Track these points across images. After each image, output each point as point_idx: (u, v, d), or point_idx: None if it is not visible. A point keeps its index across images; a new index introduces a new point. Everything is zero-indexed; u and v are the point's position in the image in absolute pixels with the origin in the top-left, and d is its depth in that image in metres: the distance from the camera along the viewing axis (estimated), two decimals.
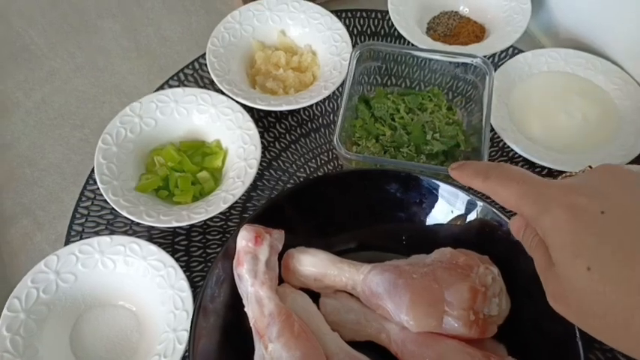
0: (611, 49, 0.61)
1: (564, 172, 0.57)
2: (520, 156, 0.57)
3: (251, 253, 0.45)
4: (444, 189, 0.50)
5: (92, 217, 0.57)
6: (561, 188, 0.31)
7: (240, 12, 0.65)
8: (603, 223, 0.28)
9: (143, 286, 0.48)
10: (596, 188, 0.30)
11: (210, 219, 0.55)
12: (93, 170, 0.59)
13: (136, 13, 0.74)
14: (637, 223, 0.28)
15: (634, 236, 0.28)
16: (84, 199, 0.59)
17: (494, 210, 0.47)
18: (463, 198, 0.49)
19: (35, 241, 0.56)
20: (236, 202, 0.52)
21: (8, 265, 0.55)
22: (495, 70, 0.62)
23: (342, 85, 0.59)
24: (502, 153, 0.61)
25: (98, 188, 0.57)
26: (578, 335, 0.40)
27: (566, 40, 0.67)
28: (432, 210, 0.51)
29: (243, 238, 0.45)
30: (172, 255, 0.51)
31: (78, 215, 0.57)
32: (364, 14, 0.72)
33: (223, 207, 0.51)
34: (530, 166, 0.59)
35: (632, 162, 0.53)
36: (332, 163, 0.62)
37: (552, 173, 0.58)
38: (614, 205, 0.29)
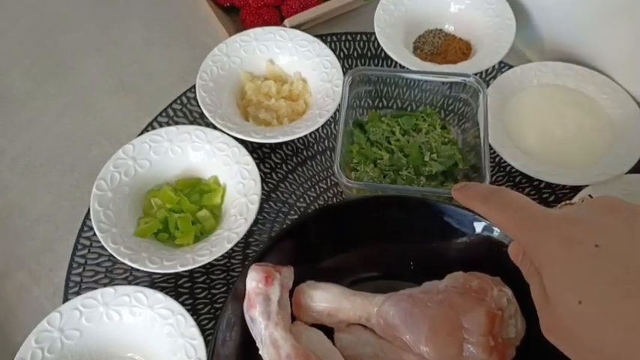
0: (598, 60, 0.63)
1: (564, 186, 0.58)
2: (518, 171, 0.58)
3: (262, 294, 0.44)
4: (448, 211, 0.50)
5: (90, 266, 0.56)
6: (558, 219, 0.31)
7: (227, 44, 0.64)
8: (597, 257, 0.28)
9: (152, 336, 0.47)
10: (593, 221, 0.30)
11: (212, 272, 0.55)
12: (86, 216, 0.58)
13: (116, 51, 0.73)
14: (630, 259, 0.28)
15: (626, 272, 0.27)
16: (80, 247, 0.57)
17: (497, 227, 0.48)
18: (468, 219, 0.50)
19: (33, 295, 0.55)
20: (235, 248, 0.52)
21: (6, 323, 0.53)
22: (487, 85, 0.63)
23: (336, 111, 0.59)
24: (499, 168, 0.62)
25: (94, 235, 0.56)
26: None
27: (551, 52, 0.68)
28: (438, 233, 0.51)
29: (253, 279, 0.44)
30: (176, 299, 0.50)
31: (75, 265, 0.56)
32: (349, 37, 0.73)
33: (228, 247, 0.50)
34: (529, 180, 0.60)
35: (631, 171, 0.54)
36: (331, 191, 0.62)
37: (552, 187, 0.59)
38: (610, 239, 0.29)
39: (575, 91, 0.61)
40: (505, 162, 0.60)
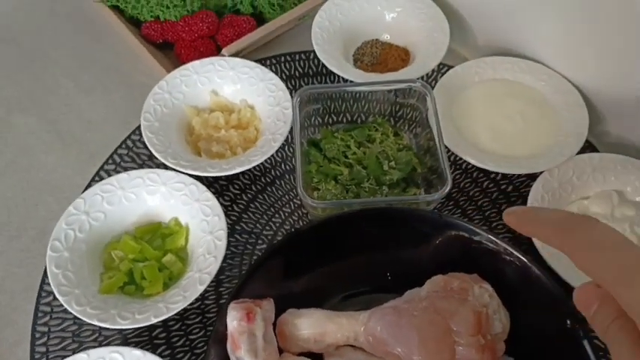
0: (531, 49, 0.66)
1: (519, 175, 0.60)
2: (474, 167, 0.60)
3: (246, 332, 0.43)
4: (413, 216, 0.51)
5: (54, 333, 0.53)
6: None
7: (167, 81, 0.63)
8: None
9: None
10: None
11: (187, 317, 0.54)
12: (43, 281, 0.56)
13: (50, 101, 0.70)
14: None
15: None
16: (40, 315, 0.54)
17: (467, 224, 0.49)
18: (435, 221, 0.51)
19: None
20: (208, 287, 0.50)
21: None
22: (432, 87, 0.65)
23: (289, 133, 0.59)
24: (456, 166, 0.63)
25: (54, 299, 0.54)
26: (582, 334, 0.42)
27: (487, 48, 0.71)
28: (409, 240, 0.52)
29: (234, 319, 0.43)
30: (154, 352, 0.48)
31: (38, 335, 0.53)
32: (289, 58, 0.73)
33: (201, 289, 0.49)
34: (485, 174, 0.62)
35: (580, 151, 0.57)
36: (296, 213, 0.62)
37: (508, 177, 0.61)
38: None
39: (515, 82, 0.64)
40: (460, 159, 0.62)
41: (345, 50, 0.71)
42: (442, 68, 0.71)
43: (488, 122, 0.61)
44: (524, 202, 0.57)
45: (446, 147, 0.58)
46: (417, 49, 0.70)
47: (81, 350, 0.47)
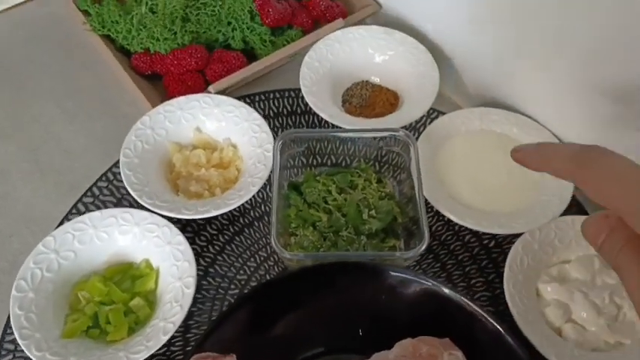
0: (520, 102, 0.65)
1: (506, 238, 0.59)
2: (459, 228, 0.59)
3: None
4: (390, 274, 0.51)
5: None
6: None
7: (150, 116, 0.63)
8: None
9: None
10: None
11: None
12: (9, 319, 0.54)
13: (34, 129, 0.70)
14: None
15: None
16: (4, 352, 0.53)
17: (442, 286, 0.49)
18: (411, 280, 0.50)
19: None
20: (175, 333, 0.50)
21: None
22: (417, 137, 0.65)
23: (269, 177, 0.58)
24: (438, 217, 0.63)
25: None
26: None
27: (477, 97, 0.71)
28: (382, 296, 0.52)
29: None
30: None
31: None
32: (277, 94, 0.73)
33: (164, 339, 0.48)
34: (474, 235, 0.61)
35: (566, 211, 0.56)
36: (272, 258, 0.61)
37: (496, 238, 0.61)
38: None
39: (502, 135, 0.63)
40: None
41: (334, 91, 0.71)
42: (432, 113, 0.70)
43: (471, 175, 0.60)
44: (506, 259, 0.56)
45: (426, 200, 0.58)
46: (407, 93, 0.69)
47: None
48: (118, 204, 0.63)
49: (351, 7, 0.80)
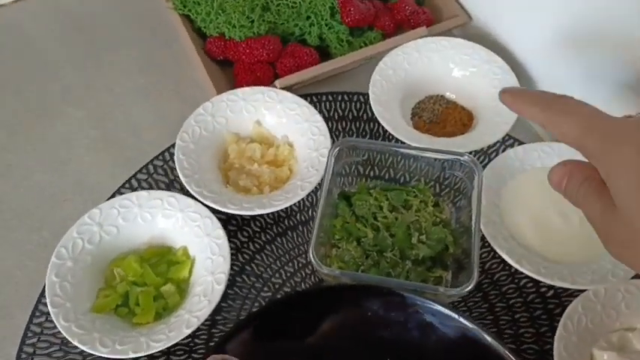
0: None
1: (567, 289, 0.54)
2: (515, 270, 0.54)
3: None
4: (429, 308, 0.48)
5: (45, 337, 0.54)
6: (632, 128, 0.30)
7: (213, 103, 0.63)
8: None
9: None
10: None
11: (173, 352, 0.53)
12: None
13: (106, 98, 0.72)
14: None
15: None
16: (37, 314, 0.55)
17: (485, 333, 0.45)
18: (450, 318, 0.47)
19: None
20: (202, 326, 0.49)
21: None
22: (485, 164, 0.60)
23: (320, 184, 0.56)
24: (494, 254, 0.58)
25: None
26: None
27: None
28: (417, 330, 0.48)
29: None
30: None
31: (30, 334, 0.54)
32: (346, 97, 0.71)
33: (186, 332, 0.48)
34: (532, 280, 0.56)
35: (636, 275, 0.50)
36: (309, 267, 0.59)
37: (555, 288, 0.55)
38: None
39: None
40: None
41: (405, 102, 0.67)
42: (507, 140, 0.65)
43: (538, 215, 0.55)
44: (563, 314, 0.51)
45: (482, 235, 0.54)
46: (482, 115, 0.65)
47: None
48: (169, 185, 0.64)
49: (439, 16, 0.76)
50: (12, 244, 0.60)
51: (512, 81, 0.64)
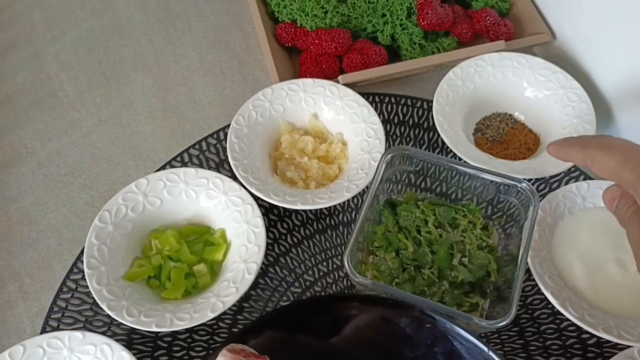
0: None
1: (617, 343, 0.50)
2: (558, 311, 0.51)
3: None
4: (459, 335, 0.46)
5: (79, 294, 0.56)
6: None
7: (273, 90, 0.62)
8: None
9: None
10: None
11: (196, 332, 0.53)
12: None
13: (171, 68, 0.73)
14: None
15: None
16: (75, 270, 0.57)
17: None
18: (481, 351, 0.45)
19: (16, 312, 0.55)
20: (227, 310, 0.49)
21: None
22: (545, 193, 0.57)
23: (367, 188, 0.55)
24: (537, 290, 0.55)
25: None
26: None
27: None
28: (443, 356, 0.47)
29: None
30: (152, 353, 0.49)
31: (65, 289, 0.56)
32: (409, 102, 0.69)
33: (210, 316, 0.48)
34: (574, 324, 0.52)
35: None
36: (343, 270, 0.58)
37: (599, 339, 0.52)
38: None
39: None
40: None
41: (469, 116, 0.65)
42: (573, 172, 0.62)
43: (592, 259, 0.52)
44: None
45: (528, 269, 0.51)
46: (550, 141, 0.61)
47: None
48: (219, 165, 0.64)
49: (520, 30, 0.72)
50: (62, 198, 0.62)
51: (587, 111, 0.60)
